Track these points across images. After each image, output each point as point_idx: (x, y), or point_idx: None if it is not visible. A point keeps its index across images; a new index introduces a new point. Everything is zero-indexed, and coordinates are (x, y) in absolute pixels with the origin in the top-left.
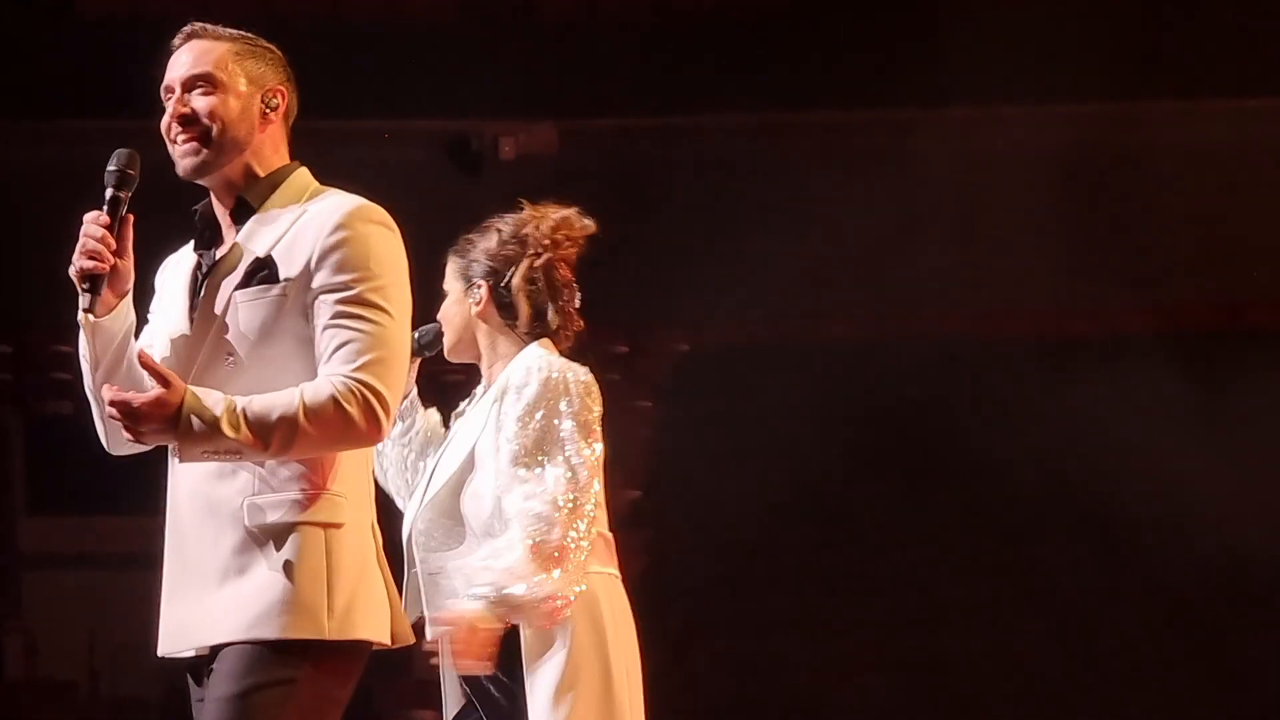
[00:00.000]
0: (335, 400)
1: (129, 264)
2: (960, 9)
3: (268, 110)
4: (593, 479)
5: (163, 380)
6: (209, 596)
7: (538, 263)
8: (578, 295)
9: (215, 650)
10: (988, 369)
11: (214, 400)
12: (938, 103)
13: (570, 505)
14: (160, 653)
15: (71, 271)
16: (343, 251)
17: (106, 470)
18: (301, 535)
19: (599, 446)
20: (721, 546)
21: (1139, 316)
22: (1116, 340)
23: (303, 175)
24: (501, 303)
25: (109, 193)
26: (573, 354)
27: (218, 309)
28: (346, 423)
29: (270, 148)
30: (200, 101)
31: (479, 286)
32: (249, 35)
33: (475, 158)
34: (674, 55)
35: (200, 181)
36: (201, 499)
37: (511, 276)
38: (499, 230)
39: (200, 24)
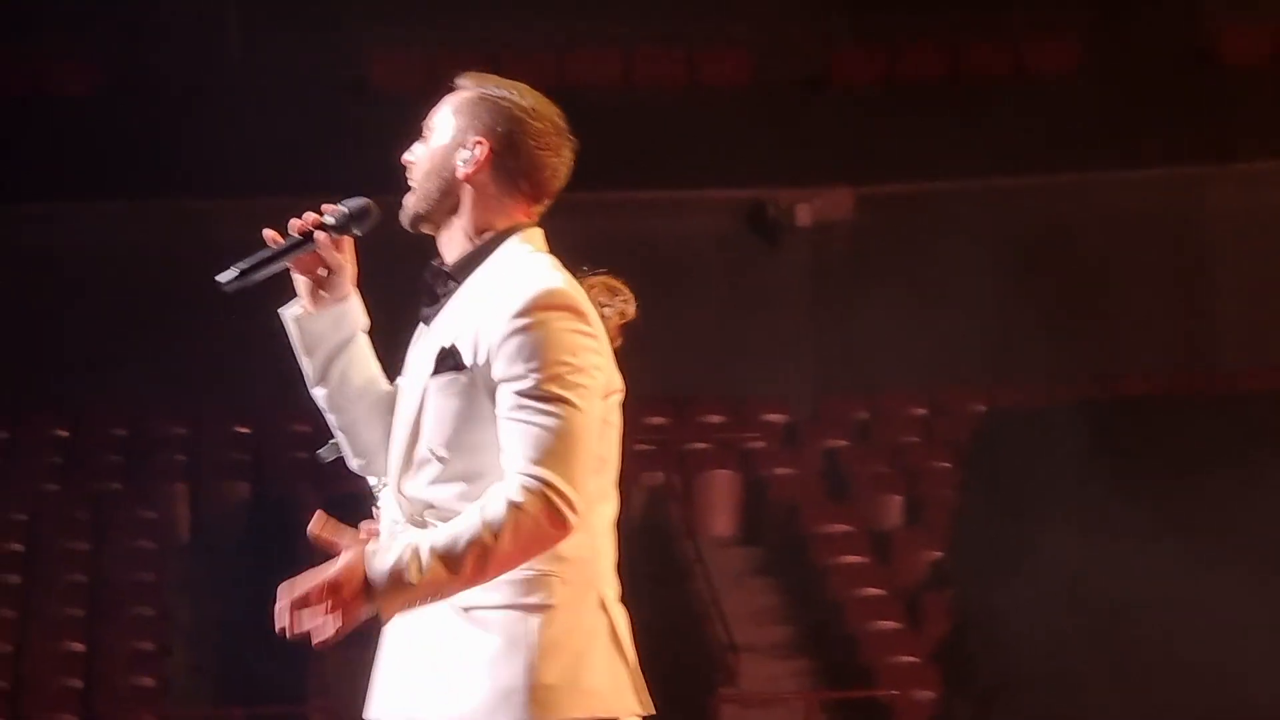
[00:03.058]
0: (512, 505)
1: (345, 273)
2: (1249, 70)
3: (467, 160)
4: None
5: (337, 549)
6: (418, 672)
7: None
8: None
9: None
10: None
11: (392, 554)
12: (1227, 158)
13: None
14: (367, 716)
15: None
16: (520, 340)
17: None
18: (507, 618)
19: None
20: (1024, 604)
21: None
22: None
23: (514, 243)
24: None
25: (342, 217)
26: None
27: (419, 397)
28: (532, 524)
29: (480, 206)
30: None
31: None
32: (493, 87)
33: (772, 225)
34: (969, 120)
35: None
36: None
37: None
38: None
39: (466, 75)
